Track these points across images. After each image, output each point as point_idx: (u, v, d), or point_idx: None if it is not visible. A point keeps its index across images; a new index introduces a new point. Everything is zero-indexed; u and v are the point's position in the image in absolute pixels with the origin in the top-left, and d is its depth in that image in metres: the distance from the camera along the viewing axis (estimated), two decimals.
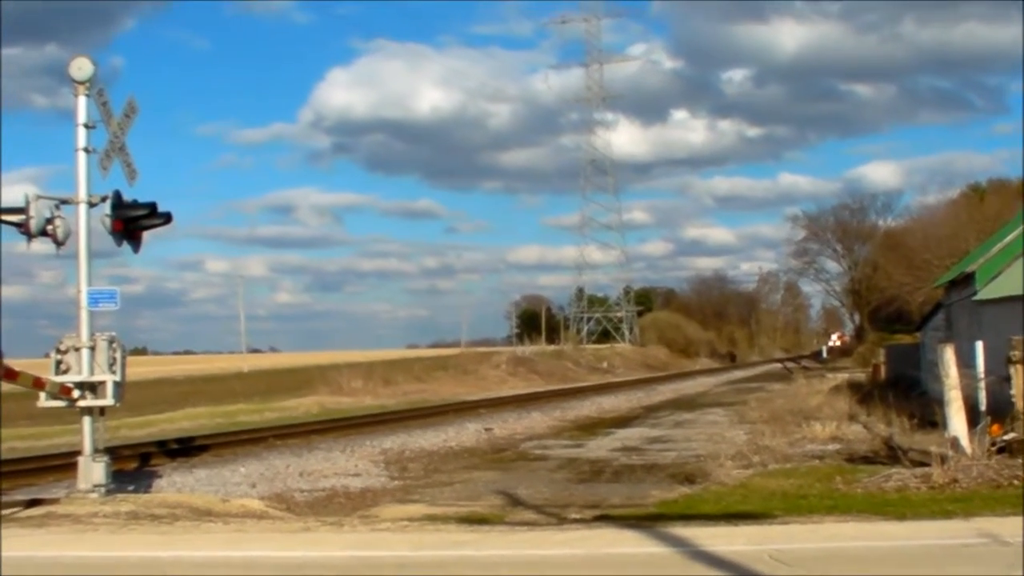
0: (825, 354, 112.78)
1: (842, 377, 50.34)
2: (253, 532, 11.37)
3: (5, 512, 12.68)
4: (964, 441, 14.62)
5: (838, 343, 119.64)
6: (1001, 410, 16.06)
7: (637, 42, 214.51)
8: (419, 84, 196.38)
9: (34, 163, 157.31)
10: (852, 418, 24.97)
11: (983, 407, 17.01)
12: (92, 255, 13.96)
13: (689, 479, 16.81)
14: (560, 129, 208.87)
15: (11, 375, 12.98)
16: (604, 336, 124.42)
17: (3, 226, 13.75)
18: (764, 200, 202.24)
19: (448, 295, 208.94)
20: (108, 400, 13.73)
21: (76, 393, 13.60)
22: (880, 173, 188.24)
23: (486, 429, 29.33)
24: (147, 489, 16.36)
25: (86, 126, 13.82)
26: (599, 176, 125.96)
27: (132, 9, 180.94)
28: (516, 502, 15.19)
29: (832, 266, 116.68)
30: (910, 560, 8.81)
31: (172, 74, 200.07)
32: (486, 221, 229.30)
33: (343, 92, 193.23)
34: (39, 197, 13.56)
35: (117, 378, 13.74)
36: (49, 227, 13.52)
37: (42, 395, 13.62)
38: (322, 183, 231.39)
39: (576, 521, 12.15)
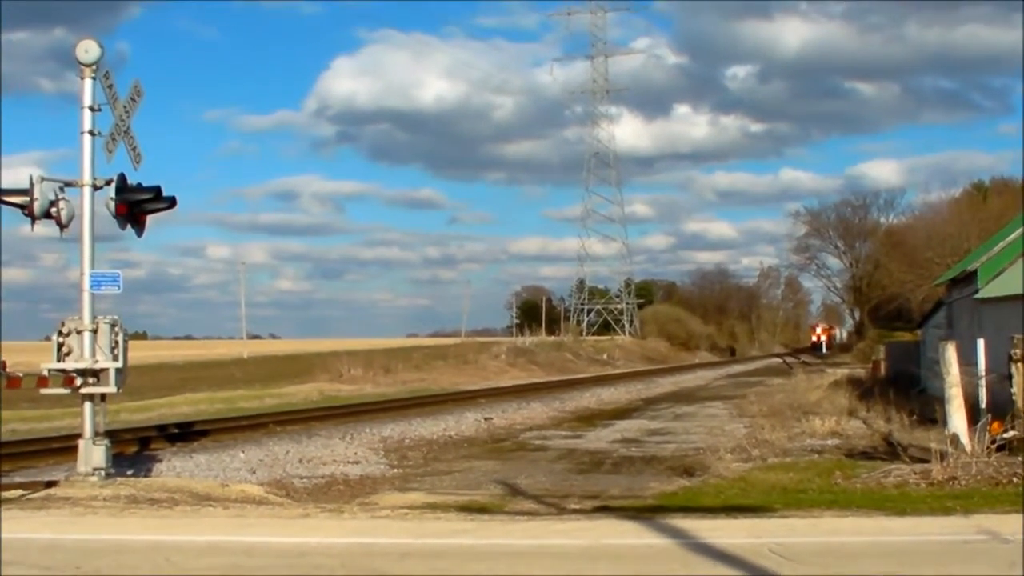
0: (825, 349, 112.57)
1: (842, 373, 50.28)
2: (253, 518, 11.39)
3: (15, 494, 12.68)
4: (964, 438, 14.61)
5: (822, 336, 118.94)
6: (1001, 408, 16.05)
7: (641, 36, 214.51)
8: (424, 75, 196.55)
9: (39, 147, 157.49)
10: (852, 414, 24.99)
11: (983, 405, 17.03)
12: (95, 239, 13.95)
13: (688, 472, 16.81)
14: (564, 122, 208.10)
15: (14, 383, 12.98)
16: (604, 328, 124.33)
17: (4, 208, 13.75)
18: (766, 195, 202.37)
19: (449, 285, 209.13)
20: (110, 387, 13.73)
21: (79, 381, 13.59)
22: (882, 171, 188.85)
23: (486, 419, 29.33)
24: (147, 473, 16.39)
25: (92, 109, 13.79)
26: (602, 169, 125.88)
27: None
28: (516, 492, 15.20)
29: (833, 262, 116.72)
30: (910, 556, 8.80)
31: (178, 61, 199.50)
32: (488, 212, 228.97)
33: (348, 81, 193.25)
34: (43, 179, 13.54)
35: (119, 364, 13.71)
36: (53, 210, 13.50)
37: None
38: (325, 171, 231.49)
39: (576, 512, 12.15)
